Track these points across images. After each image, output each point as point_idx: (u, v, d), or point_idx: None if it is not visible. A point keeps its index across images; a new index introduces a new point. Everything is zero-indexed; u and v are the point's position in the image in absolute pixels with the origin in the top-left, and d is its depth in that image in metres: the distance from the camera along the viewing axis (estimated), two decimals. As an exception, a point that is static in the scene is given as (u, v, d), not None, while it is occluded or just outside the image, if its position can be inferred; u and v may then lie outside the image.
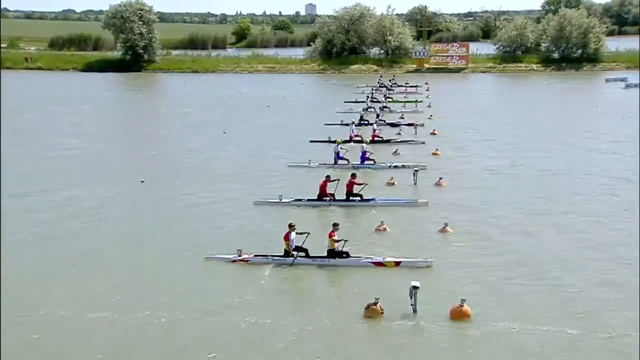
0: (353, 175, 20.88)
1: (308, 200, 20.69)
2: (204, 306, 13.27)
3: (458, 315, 12.52)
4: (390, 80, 58.58)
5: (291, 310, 13.21)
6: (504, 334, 12.00)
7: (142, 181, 23.88)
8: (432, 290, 13.52)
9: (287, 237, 15.56)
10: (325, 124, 36.03)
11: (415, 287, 12.62)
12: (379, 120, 36.39)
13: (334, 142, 27.71)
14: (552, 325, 12.22)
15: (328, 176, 21.05)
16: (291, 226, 15.71)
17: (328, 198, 20.48)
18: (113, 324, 12.62)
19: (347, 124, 34.41)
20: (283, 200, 20.63)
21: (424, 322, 12.46)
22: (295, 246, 15.55)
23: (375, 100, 46.42)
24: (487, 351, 11.53)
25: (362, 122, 35.92)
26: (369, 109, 40.98)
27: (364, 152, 26.00)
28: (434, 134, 33.24)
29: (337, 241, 15.44)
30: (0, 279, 14.37)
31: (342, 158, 26.01)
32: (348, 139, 30.24)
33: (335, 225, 15.71)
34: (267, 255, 15.70)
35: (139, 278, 14.83)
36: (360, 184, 20.68)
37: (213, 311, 13.04)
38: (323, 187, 20.54)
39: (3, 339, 11.92)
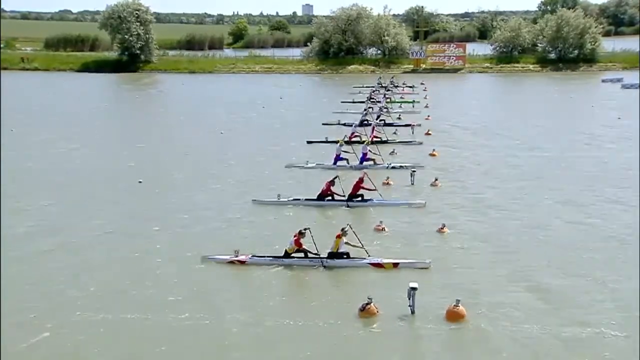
0: (360, 180, 20.75)
1: (306, 199, 20.73)
2: (200, 307, 13.26)
3: (453, 316, 12.55)
4: (389, 81, 58.58)
5: (288, 311, 13.20)
6: (501, 335, 12.03)
7: (140, 182, 23.88)
8: (430, 291, 13.56)
9: (297, 243, 15.46)
10: (323, 124, 36.11)
11: (414, 289, 12.64)
12: (379, 120, 36.48)
13: (332, 142, 27.70)
14: (549, 326, 12.26)
15: (332, 180, 20.93)
16: (301, 233, 15.57)
17: (328, 197, 20.51)
18: (108, 325, 12.59)
19: (344, 124, 34.47)
20: (281, 200, 20.67)
21: (421, 323, 12.47)
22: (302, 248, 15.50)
23: (374, 100, 46.53)
24: (482, 352, 11.55)
25: (362, 122, 35.94)
26: (368, 109, 41.00)
27: (364, 153, 26.02)
28: (429, 134, 33.31)
29: (353, 246, 15.42)
30: (0, 280, 14.46)
31: (342, 159, 26.04)
32: (347, 139, 30.26)
33: (343, 230, 15.63)
34: (264, 256, 15.70)
35: (134, 279, 14.79)
36: (366, 188, 20.53)
37: (209, 312, 13.04)
38: (325, 191, 20.54)
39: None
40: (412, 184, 22.87)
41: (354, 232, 15.83)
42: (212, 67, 79.32)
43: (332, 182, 20.74)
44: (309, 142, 31.12)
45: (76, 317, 12.94)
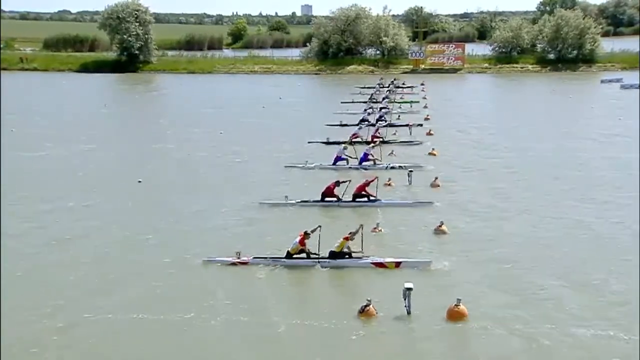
0: (367, 183, 20.77)
1: (314, 201, 20.65)
2: (202, 307, 13.26)
3: (454, 315, 12.54)
4: (390, 82, 58.51)
5: (289, 311, 13.20)
6: (501, 335, 12.05)
7: (139, 181, 23.87)
8: (430, 290, 13.57)
9: (302, 242, 15.49)
10: (326, 125, 36.06)
11: (409, 289, 12.60)
12: (382, 120, 36.53)
13: (333, 143, 27.65)
14: (550, 325, 12.28)
15: (337, 182, 20.95)
16: (307, 234, 15.56)
17: (334, 199, 20.50)
18: (108, 327, 12.61)
19: (345, 125, 34.48)
20: (289, 201, 20.57)
21: (421, 323, 12.48)
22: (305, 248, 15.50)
23: (374, 101, 46.58)
24: (484, 352, 11.56)
25: (363, 123, 35.94)
26: (369, 110, 41.00)
27: (365, 154, 26.02)
28: (430, 134, 33.35)
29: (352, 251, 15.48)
30: (0, 279, 14.39)
31: (342, 159, 26.05)
32: (348, 140, 30.22)
33: (352, 234, 15.64)
34: (266, 257, 15.65)
35: (134, 280, 14.80)
36: (368, 193, 20.57)
37: (210, 312, 13.05)
38: (330, 190, 20.53)
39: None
40: (410, 183, 22.89)
41: (362, 234, 15.78)
42: (211, 68, 79.32)
43: (337, 183, 20.75)
44: (309, 143, 31.12)
45: (82, 318, 12.94)
